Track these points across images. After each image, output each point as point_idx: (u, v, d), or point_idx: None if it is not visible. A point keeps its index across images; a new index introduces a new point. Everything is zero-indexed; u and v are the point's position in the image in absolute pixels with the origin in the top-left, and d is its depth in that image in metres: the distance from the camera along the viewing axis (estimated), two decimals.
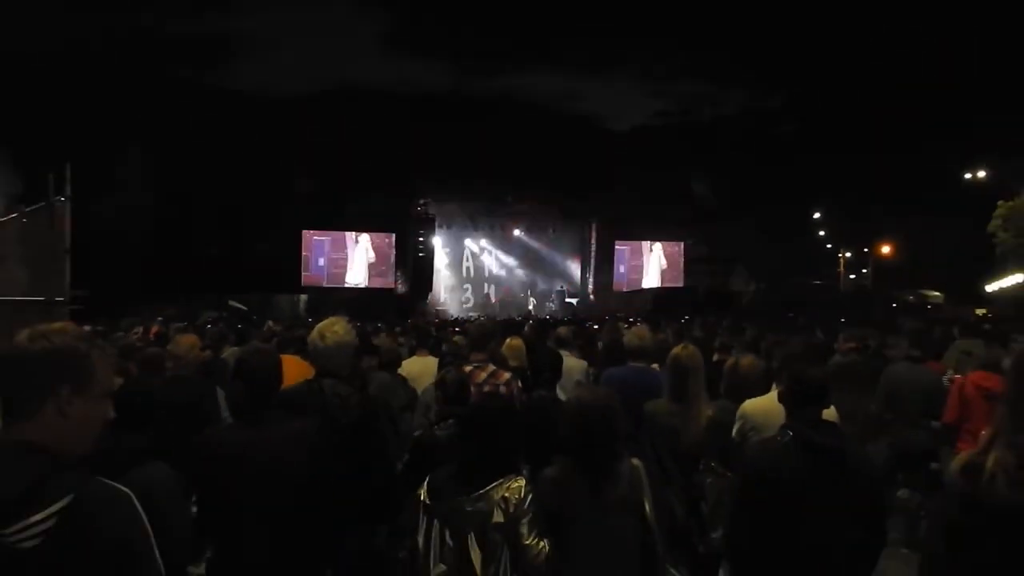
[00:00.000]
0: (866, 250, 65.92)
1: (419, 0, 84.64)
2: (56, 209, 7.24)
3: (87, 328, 8.48)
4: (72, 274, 7.20)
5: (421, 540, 4.14)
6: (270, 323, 18.56)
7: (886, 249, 63.20)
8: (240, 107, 60.17)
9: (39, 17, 54.59)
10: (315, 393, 5.27)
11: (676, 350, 6.80)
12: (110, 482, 2.34)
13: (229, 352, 10.28)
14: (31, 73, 46.47)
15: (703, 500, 5.90)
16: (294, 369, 6.24)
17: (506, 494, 4.03)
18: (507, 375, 7.30)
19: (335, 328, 5.58)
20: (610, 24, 75.45)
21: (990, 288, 45.83)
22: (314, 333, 5.66)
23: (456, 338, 10.88)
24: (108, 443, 3.55)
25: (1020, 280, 44.23)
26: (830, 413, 5.31)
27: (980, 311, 32.56)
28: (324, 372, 5.47)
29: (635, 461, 4.51)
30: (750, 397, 6.14)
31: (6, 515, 2.20)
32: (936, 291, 48.60)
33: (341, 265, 45.89)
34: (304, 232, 45.13)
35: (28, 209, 7.79)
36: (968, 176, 49.61)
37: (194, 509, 4.27)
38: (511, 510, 4.00)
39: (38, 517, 2.20)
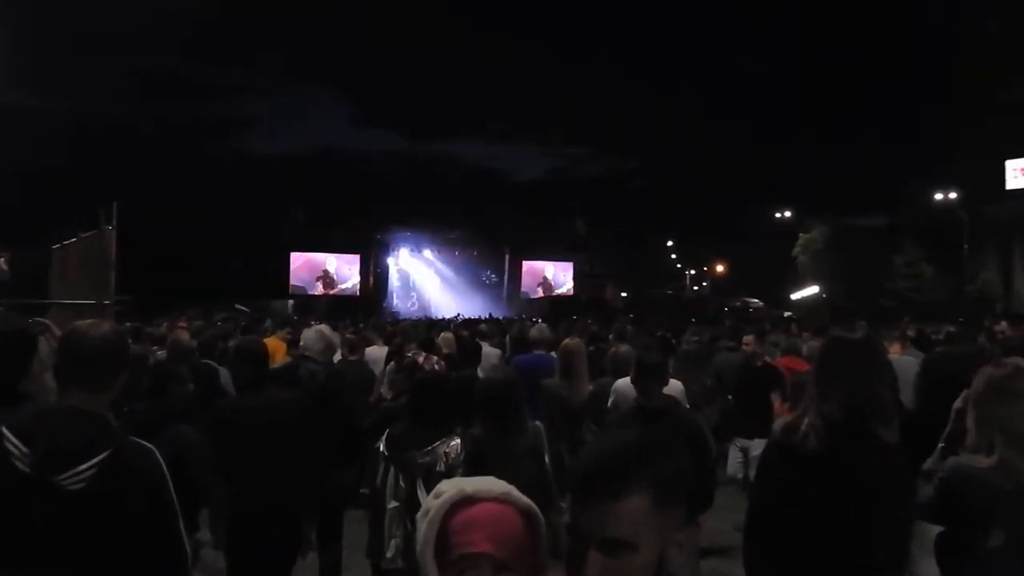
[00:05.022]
0: (705, 269, 67.35)
1: (378, 87, 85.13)
2: (106, 235, 7.13)
3: (127, 325, 8.32)
4: (120, 283, 7.10)
5: (379, 481, 4.14)
6: (269, 321, 18.19)
7: (720, 268, 64.61)
8: (251, 164, 61.55)
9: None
10: (295, 370, 5.42)
11: (566, 341, 6.86)
12: (139, 440, 2.29)
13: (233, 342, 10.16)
14: (92, 136, 46.81)
15: None
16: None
17: (447, 450, 4.04)
18: (436, 358, 7.32)
19: (319, 329, 6.18)
20: (515, 104, 77.37)
21: (794, 296, 47.10)
22: (305, 332, 6.25)
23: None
24: (144, 407, 3.55)
25: (815, 290, 45.73)
26: (675, 386, 5.49)
27: (787, 313, 33.37)
28: (303, 356, 5.62)
29: (537, 423, 4.59)
30: (625, 375, 6.13)
31: (63, 464, 2.15)
32: (756, 298, 49.58)
33: (319, 278, 45.93)
34: (292, 253, 45.14)
35: (85, 235, 7.69)
36: (777, 215, 51.44)
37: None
38: (449, 462, 4.03)
39: (84, 466, 2.15)
